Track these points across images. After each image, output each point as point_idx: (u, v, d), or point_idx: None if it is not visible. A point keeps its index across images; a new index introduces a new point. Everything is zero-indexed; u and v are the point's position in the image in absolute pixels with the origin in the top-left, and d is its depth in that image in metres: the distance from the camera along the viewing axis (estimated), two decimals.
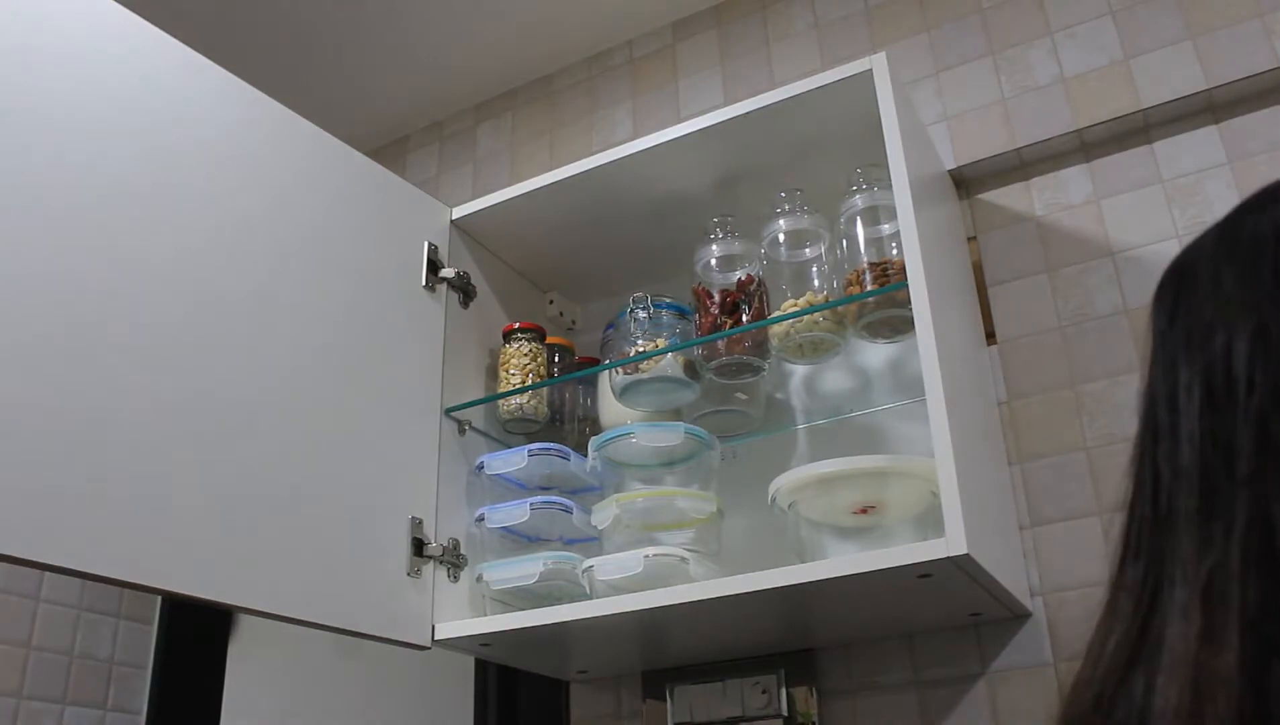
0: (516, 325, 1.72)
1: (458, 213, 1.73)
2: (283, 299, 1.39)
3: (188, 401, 1.23)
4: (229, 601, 1.22)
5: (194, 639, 2.24)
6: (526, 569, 1.49)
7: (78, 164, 1.19)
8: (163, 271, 1.24)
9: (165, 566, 1.15)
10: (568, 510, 1.55)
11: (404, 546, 1.46)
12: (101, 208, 1.20)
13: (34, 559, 1.03)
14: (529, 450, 1.58)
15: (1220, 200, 1.52)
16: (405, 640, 1.42)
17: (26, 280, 1.10)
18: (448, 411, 1.61)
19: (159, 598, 2.22)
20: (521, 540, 1.62)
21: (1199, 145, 1.57)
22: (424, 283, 1.63)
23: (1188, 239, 1.51)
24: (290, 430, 1.35)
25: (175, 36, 1.34)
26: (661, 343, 1.58)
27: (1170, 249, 1.52)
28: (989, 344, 1.60)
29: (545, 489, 1.64)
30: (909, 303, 1.29)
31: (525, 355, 1.69)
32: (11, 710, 1.91)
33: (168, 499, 1.17)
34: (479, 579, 1.53)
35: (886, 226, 1.49)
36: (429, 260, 1.65)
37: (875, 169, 1.48)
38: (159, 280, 1.24)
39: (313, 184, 1.49)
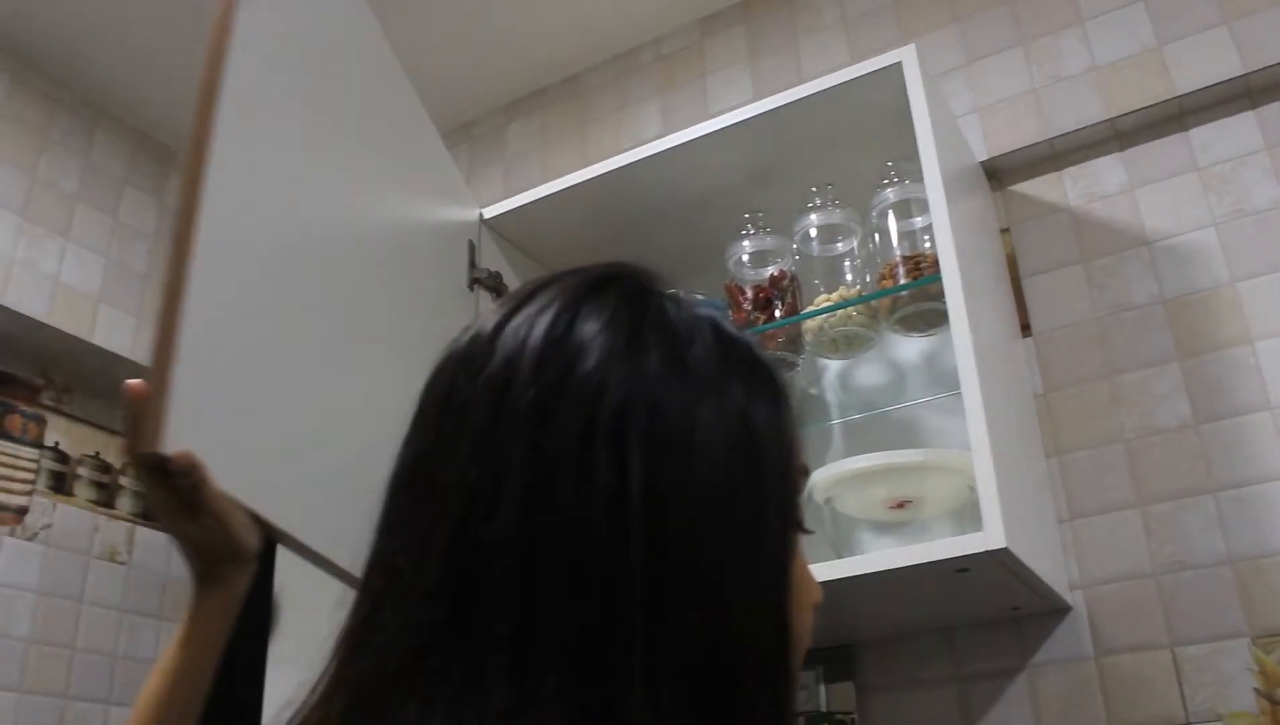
0: None
1: (489, 213, 1.73)
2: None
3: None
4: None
5: (234, 640, 2.25)
6: None
7: None
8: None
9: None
10: None
11: None
12: None
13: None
14: None
15: (1258, 187, 1.50)
16: None
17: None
18: None
19: None
20: None
21: (1235, 132, 1.55)
22: (468, 283, 1.62)
23: (1225, 226, 1.51)
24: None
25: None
26: None
27: (1207, 237, 1.51)
28: (1024, 336, 1.59)
29: None
30: (943, 296, 1.28)
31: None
32: (59, 711, 1.94)
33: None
34: None
35: (919, 219, 1.48)
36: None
37: (906, 162, 1.48)
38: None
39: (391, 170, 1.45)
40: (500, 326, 0.58)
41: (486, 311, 0.61)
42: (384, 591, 0.54)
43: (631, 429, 0.52)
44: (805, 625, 0.60)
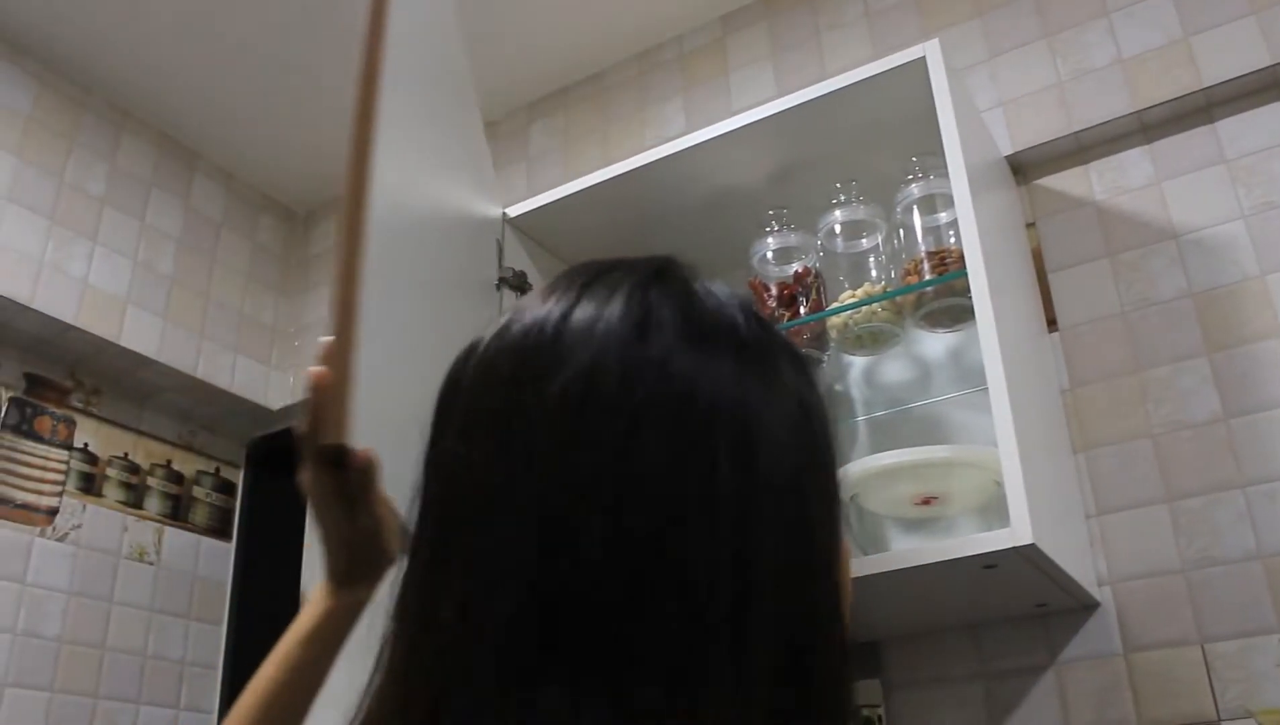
0: None
1: (512, 211, 1.74)
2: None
3: None
4: None
5: (262, 640, 2.27)
6: None
7: None
8: None
9: None
10: None
11: None
12: None
13: None
14: None
15: None
16: None
17: None
18: None
19: (228, 599, 2.26)
20: None
21: (1264, 123, 1.53)
22: (495, 281, 1.62)
23: (1253, 219, 1.50)
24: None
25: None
26: None
27: (1235, 230, 1.50)
28: (1050, 331, 1.58)
29: None
30: (968, 291, 1.28)
31: None
32: (89, 710, 1.96)
33: None
34: None
35: (944, 215, 1.48)
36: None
37: (931, 157, 1.47)
38: None
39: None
40: (560, 327, 0.54)
41: (527, 305, 0.58)
42: (452, 625, 0.51)
43: (720, 439, 0.51)
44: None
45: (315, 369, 0.77)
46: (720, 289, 0.60)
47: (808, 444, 0.55)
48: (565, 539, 0.49)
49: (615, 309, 0.55)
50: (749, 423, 0.52)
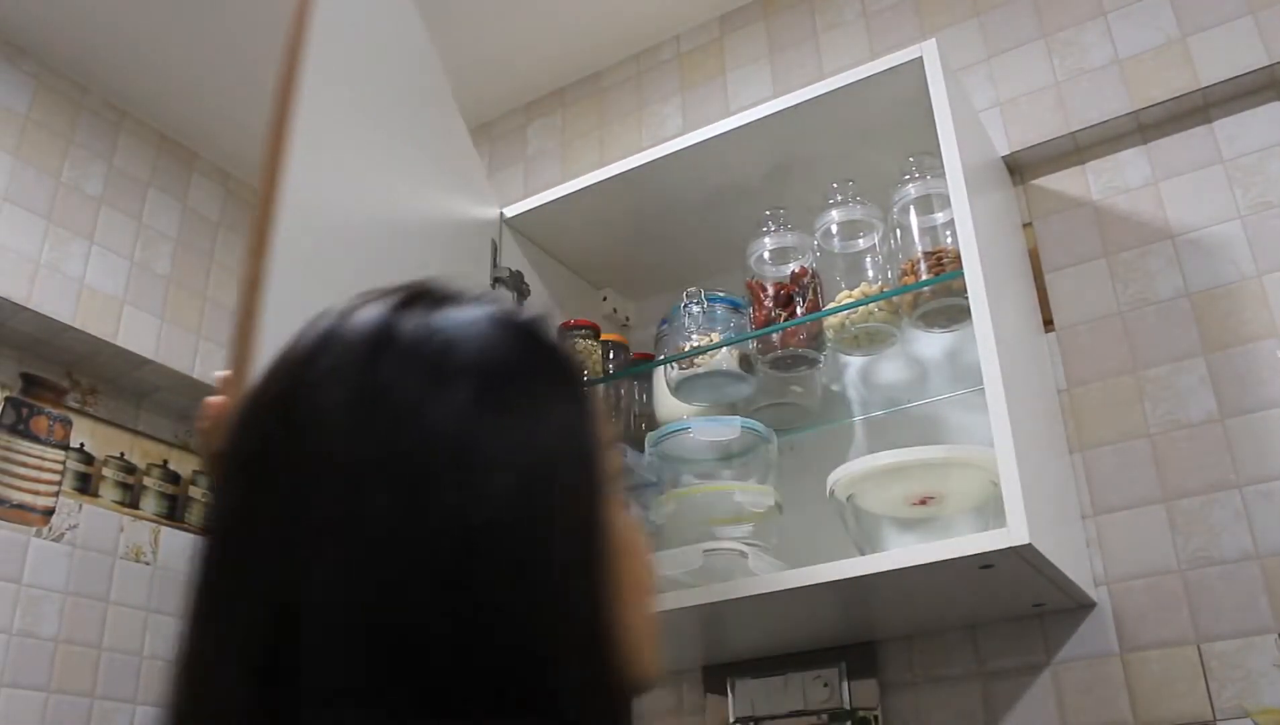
0: (571, 323, 1.72)
1: (510, 212, 1.73)
2: None
3: None
4: None
5: None
6: None
7: None
8: None
9: None
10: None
11: None
12: None
13: None
14: None
15: None
16: None
17: None
18: None
19: None
20: None
21: (1261, 123, 1.53)
22: (490, 282, 1.62)
23: (1250, 219, 1.50)
24: None
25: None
26: (716, 337, 1.57)
27: (1232, 230, 1.50)
28: (1047, 331, 1.58)
29: None
30: (965, 291, 1.28)
31: (580, 353, 1.70)
32: (86, 710, 1.95)
33: None
34: None
35: (940, 215, 1.48)
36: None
37: (928, 157, 1.47)
38: None
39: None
40: (308, 355, 0.56)
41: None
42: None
43: (442, 480, 0.51)
44: None
45: (214, 400, 0.78)
46: (480, 310, 0.58)
47: (551, 467, 0.54)
48: (294, 608, 0.49)
49: (356, 335, 0.55)
50: (472, 456, 0.51)
